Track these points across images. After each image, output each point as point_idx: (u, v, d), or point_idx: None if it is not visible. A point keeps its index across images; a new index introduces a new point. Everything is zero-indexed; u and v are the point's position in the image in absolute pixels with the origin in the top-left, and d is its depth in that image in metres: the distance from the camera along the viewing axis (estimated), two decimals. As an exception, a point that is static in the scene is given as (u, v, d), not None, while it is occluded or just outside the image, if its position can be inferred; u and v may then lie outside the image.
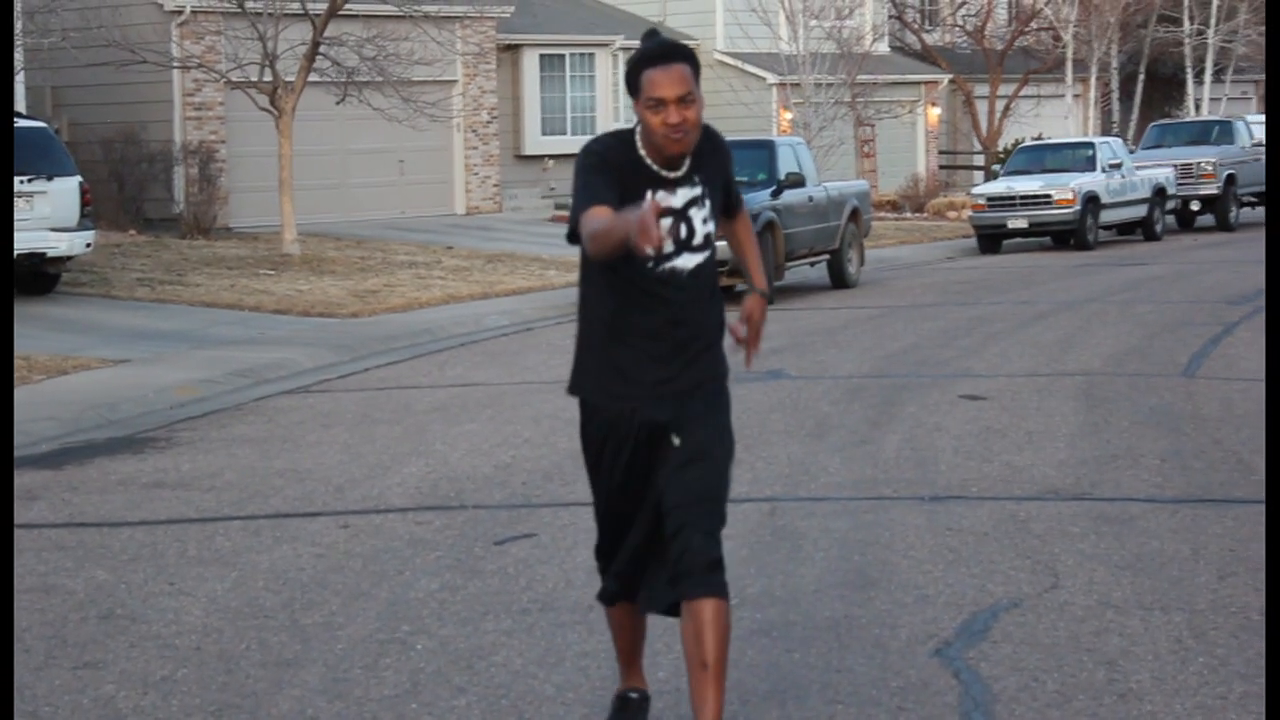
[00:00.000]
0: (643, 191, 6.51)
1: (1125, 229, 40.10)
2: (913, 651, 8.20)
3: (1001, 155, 50.26)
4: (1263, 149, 44.65)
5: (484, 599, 9.41)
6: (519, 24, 43.39)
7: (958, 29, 57.92)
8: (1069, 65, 53.23)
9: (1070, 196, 37.30)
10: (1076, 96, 54.27)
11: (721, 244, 7.02)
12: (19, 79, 32.62)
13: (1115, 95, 56.94)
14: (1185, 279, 28.92)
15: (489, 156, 42.23)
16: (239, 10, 32.62)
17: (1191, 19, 57.39)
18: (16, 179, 25.01)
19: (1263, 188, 44.55)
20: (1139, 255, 35.63)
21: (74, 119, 37.30)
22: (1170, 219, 42.19)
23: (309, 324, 24.14)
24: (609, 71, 44.99)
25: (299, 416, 16.57)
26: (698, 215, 6.67)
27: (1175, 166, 42.18)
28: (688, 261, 6.64)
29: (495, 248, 34.35)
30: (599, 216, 6.41)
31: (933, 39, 57.63)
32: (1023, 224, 37.55)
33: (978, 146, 55.06)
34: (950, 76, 54.27)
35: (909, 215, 47.39)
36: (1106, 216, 38.57)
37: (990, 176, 46.64)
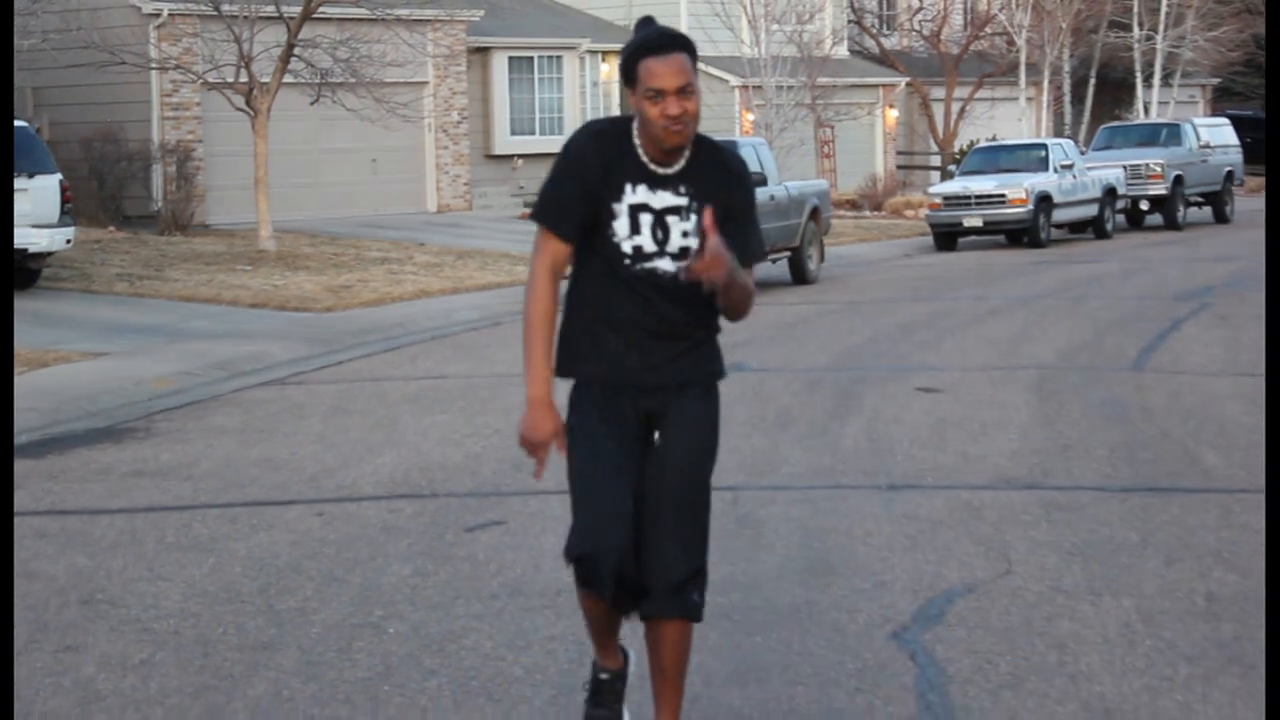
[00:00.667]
0: (624, 184, 6.15)
1: (1077, 228, 40.21)
2: (870, 635, 8.22)
3: (957, 156, 50.33)
4: (1209, 150, 44.86)
5: (455, 584, 9.41)
6: (488, 27, 43.35)
7: (915, 34, 58.04)
8: (1022, 69, 53.34)
9: (1023, 196, 37.39)
10: (1030, 99, 54.37)
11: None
12: None
13: (1067, 98, 57.06)
14: (1134, 276, 28.99)
15: (459, 156, 42.20)
16: (215, 13, 32.55)
17: (1141, 25, 57.53)
18: (-3, 176, 24.96)
19: (1209, 188, 44.78)
20: (1090, 253, 35.72)
21: (54, 118, 37.18)
22: (1120, 218, 42.31)
23: (284, 318, 24.11)
24: (576, 73, 45.00)
25: (275, 408, 16.55)
26: (676, 225, 6.20)
27: (1125, 167, 42.30)
28: (669, 265, 6.20)
29: (466, 244, 34.32)
30: (538, 307, 6.17)
31: (890, 43, 57.72)
32: (978, 222, 37.63)
33: (934, 147, 55.16)
34: (907, 80, 54.34)
35: (868, 214, 47.42)
36: (1058, 215, 38.67)
37: (946, 176, 46.79)
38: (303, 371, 19.36)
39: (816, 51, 46.12)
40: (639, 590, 6.24)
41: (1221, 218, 45.21)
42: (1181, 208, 43.35)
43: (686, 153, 6.19)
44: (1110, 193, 40.70)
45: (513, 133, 44.26)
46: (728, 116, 47.26)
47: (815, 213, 30.08)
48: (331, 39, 33.04)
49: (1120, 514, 10.74)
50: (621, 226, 6.15)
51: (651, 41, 6.05)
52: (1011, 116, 54.87)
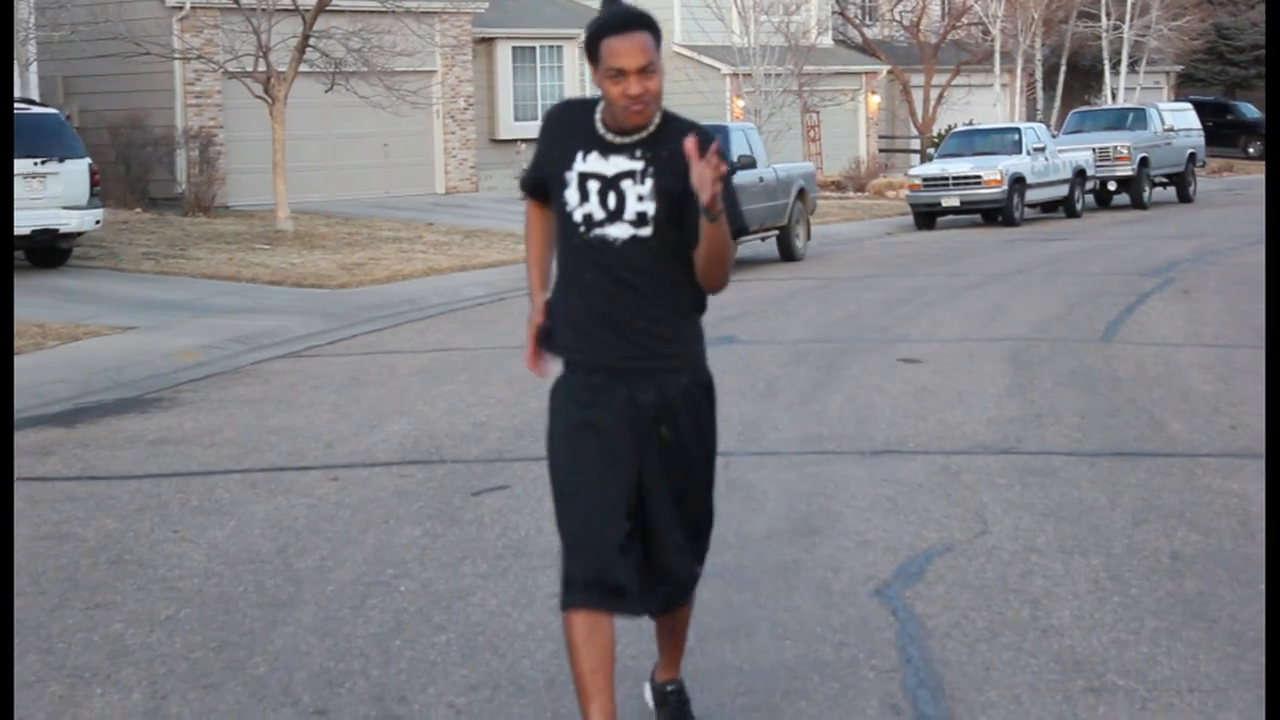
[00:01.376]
0: (575, 152, 5.88)
1: (1048, 207, 40.18)
2: (854, 592, 8.22)
3: (936, 140, 50.28)
4: (1173, 133, 44.84)
5: (462, 545, 9.41)
6: (493, 19, 43.32)
7: (895, 24, 57.96)
8: (997, 57, 53.29)
9: (998, 177, 37.38)
10: (1004, 86, 54.30)
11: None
12: (33, 69, 32.49)
13: (1039, 85, 57.01)
14: (1103, 253, 28.99)
15: (466, 140, 42.16)
16: (235, 6, 32.50)
17: (1108, 15, 57.45)
18: (31, 161, 24.95)
19: (1173, 169, 44.78)
20: (1061, 231, 35.70)
21: (84, 106, 37.13)
22: (1089, 198, 42.31)
23: (301, 294, 24.09)
24: (576, 62, 44.89)
25: (292, 379, 16.54)
26: (631, 190, 5.83)
27: (1094, 150, 42.31)
28: (621, 231, 5.84)
29: (472, 224, 34.29)
30: (532, 237, 6.27)
31: (873, 33, 57.63)
32: (955, 202, 37.61)
33: (914, 131, 55.10)
34: (889, 67, 54.27)
35: (851, 194, 47.39)
36: (1031, 196, 38.67)
37: (925, 159, 46.71)
38: (318, 345, 19.36)
39: (803, 41, 46.04)
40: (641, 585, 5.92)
41: (1185, 197, 45.21)
42: (1147, 188, 43.36)
43: (653, 125, 5.87)
44: (1080, 174, 40.69)
45: (516, 119, 44.20)
46: (718, 103, 47.20)
47: (802, 193, 30.06)
48: (344, 30, 33.04)
49: (1089, 477, 10.74)
50: (571, 195, 5.88)
51: (614, 20, 5.72)
52: (987, 102, 54.82)
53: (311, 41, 31.84)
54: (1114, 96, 57.29)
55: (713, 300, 6.12)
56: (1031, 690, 6.76)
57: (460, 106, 42.06)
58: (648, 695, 6.40)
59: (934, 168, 38.78)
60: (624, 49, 5.66)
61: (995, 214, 37.95)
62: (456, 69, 41.97)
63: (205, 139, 36.14)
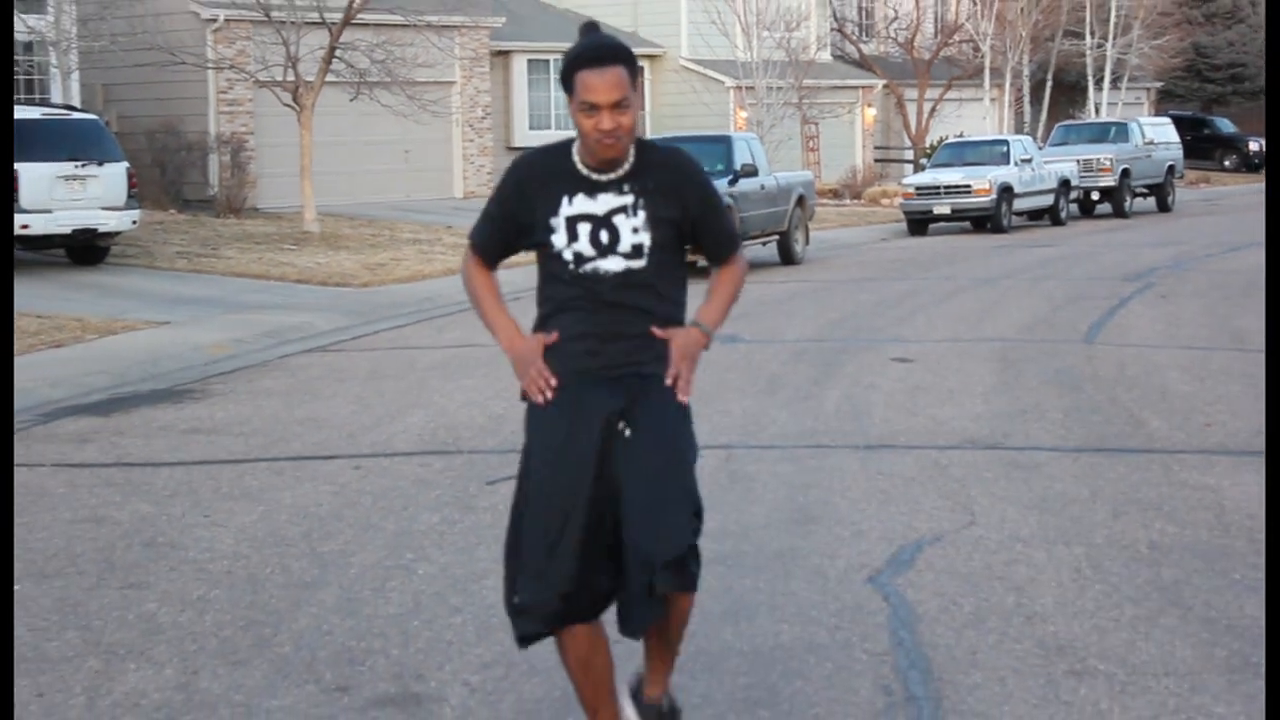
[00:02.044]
0: (559, 198, 5.52)
1: (1035, 215, 40.18)
2: (848, 578, 8.22)
3: (928, 150, 50.26)
4: (1153, 146, 44.83)
5: (477, 531, 9.41)
6: (509, 33, 43.35)
7: (890, 40, 57.93)
8: (986, 73, 53.26)
9: (987, 186, 37.37)
10: (993, 100, 54.26)
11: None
12: (74, 78, 32.52)
13: (1026, 99, 56.99)
14: (1086, 259, 28.96)
15: (483, 148, 42.17)
16: (266, 19, 32.51)
17: (1092, 34, 57.43)
18: (72, 164, 24.98)
19: (1153, 180, 44.78)
20: (1046, 238, 35.68)
21: (122, 113, 37.16)
22: (1074, 207, 42.32)
23: (326, 292, 24.10)
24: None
25: (317, 372, 16.54)
26: (625, 224, 5.51)
27: (1078, 161, 42.34)
28: (613, 264, 5.52)
29: (488, 227, 34.23)
30: (481, 286, 5.80)
31: (869, 49, 57.61)
32: (946, 210, 37.61)
33: (908, 143, 55.07)
34: (884, 82, 54.25)
35: (848, 202, 47.36)
36: (1019, 204, 38.67)
37: (918, 169, 46.69)
38: (342, 340, 19.36)
39: (803, 56, 46.01)
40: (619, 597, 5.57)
41: (1164, 207, 45.21)
42: (1128, 198, 43.39)
43: (630, 159, 5.54)
44: (1065, 184, 40.68)
45: (531, 127, 44.25)
46: (722, 114, 47.19)
47: (801, 201, 30.07)
48: (369, 42, 33.06)
49: (1072, 471, 10.73)
50: (559, 239, 5.54)
51: (589, 53, 5.38)
52: (977, 115, 54.78)
53: (338, 53, 31.86)
54: (1097, 111, 57.28)
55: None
56: (1016, 673, 6.76)
57: (478, 115, 42.07)
58: (630, 713, 5.79)
59: (926, 177, 38.79)
60: (597, 84, 5.33)
61: (984, 221, 37.95)
62: (474, 80, 41.98)
63: (237, 144, 36.16)
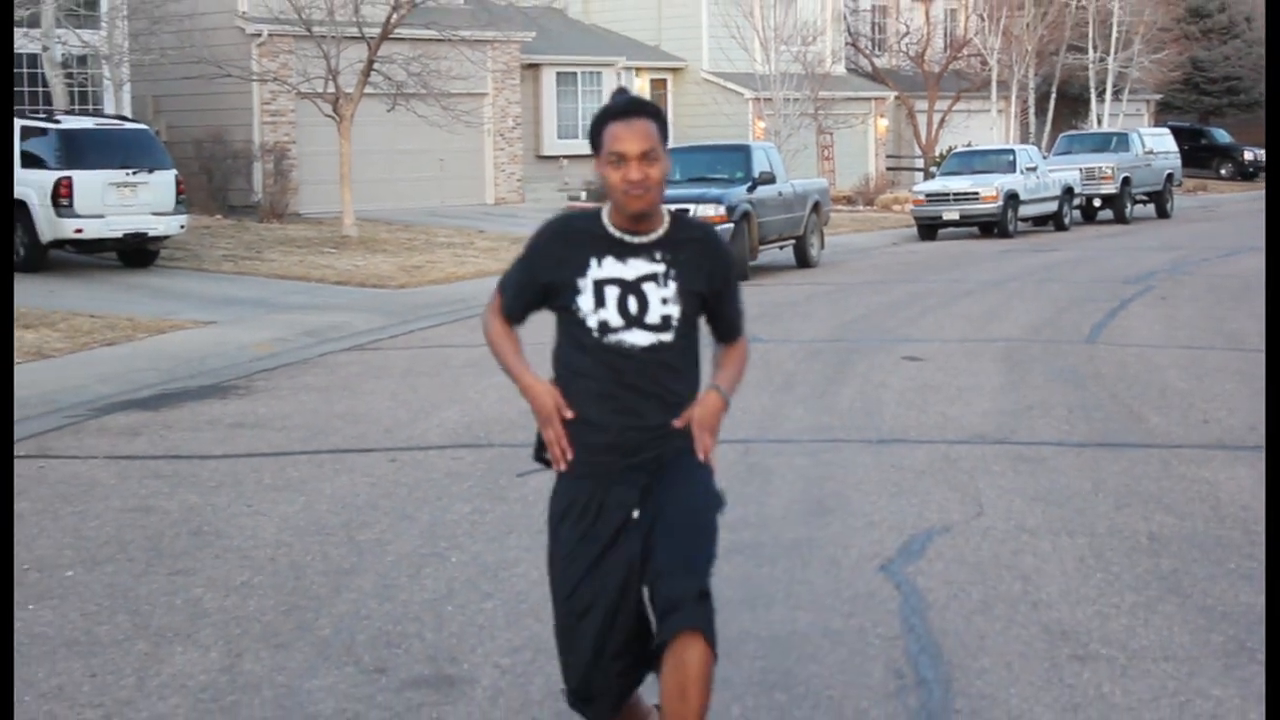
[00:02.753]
0: (588, 260, 5.11)
1: (1039, 221, 40.11)
2: (862, 567, 8.20)
3: (938, 159, 50.19)
4: (1153, 156, 44.75)
5: (508, 521, 9.41)
6: (539, 46, 43.37)
7: (902, 54, 57.86)
8: (994, 85, 53.19)
9: (994, 193, 37.32)
10: (1000, 111, 54.18)
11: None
12: (126, 89, 32.63)
13: (1032, 110, 56.89)
14: (1089, 263, 28.89)
15: (514, 156, 42.20)
16: (308, 34, 32.56)
17: (1095, 48, 57.34)
18: (124, 172, 25.03)
19: (1152, 188, 44.68)
20: (1050, 243, 35.60)
21: (171, 123, 37.25)
22: (1077, 213, 42.22)
23: (364, 294, 24.12)
24: (613, 86, 44.89)
25: (355, 370, 16.56)
26: (655, 293, 5.10)
27: (1081, 170, 42.29)
28: (640, 338, 5.10)
29: (519, 232, 34.26)
30: (502, 337, 5.35)
31: (881, 62, 57.55)
32: (955, 216, 37.54)
33: (918, 152, 55.00)
34: (896, 94, 54.20)
35: (861, 208, 47.30)
36: (1024, 210, 38.62)
37: (928, 176, 46.63)
38: (379, 339, 19.38)
39: (818, 69, 46.00)
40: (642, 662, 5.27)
41: (1163, 213, 45.10)
42: (1129, 205, 43.32)
43: (664, 225, 5.15)
44: (1068, 191, 40.61)
45: (559, 137, 44.30)
46: (741, 124, 47.19)
47: (816, 207, 30.03)
48: (405, 56, 33.09)
49: (1076, 465, 10.71)
50: (586, 301, 5.10)
51: (618, 108, 5.10)
52: (984, 126, 54.72)
53: (376, 66, 31.90)
54: (1099, 122, 57.17)
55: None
56: (1022, 658, 6.74)
57: (509, 125, 42.09)
58: None
59: (936, 184, 38.70)
60: (625, 134, 5.02)
61: (991, 227, 37.87)
62: (505, 92, 42.00)
63: (279, 153, 36.24)
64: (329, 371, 16.48)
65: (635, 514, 5.14)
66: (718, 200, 25.78)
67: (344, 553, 8.77)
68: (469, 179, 41.59)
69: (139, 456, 11.83)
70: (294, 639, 7.22)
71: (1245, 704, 6.13)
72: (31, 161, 24.94)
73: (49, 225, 24.53)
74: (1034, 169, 39.32)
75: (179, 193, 25.83)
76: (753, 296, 22.02)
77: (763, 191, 27.39)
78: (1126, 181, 43.07)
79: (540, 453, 5.31)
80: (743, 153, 28.70)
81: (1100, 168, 42.78)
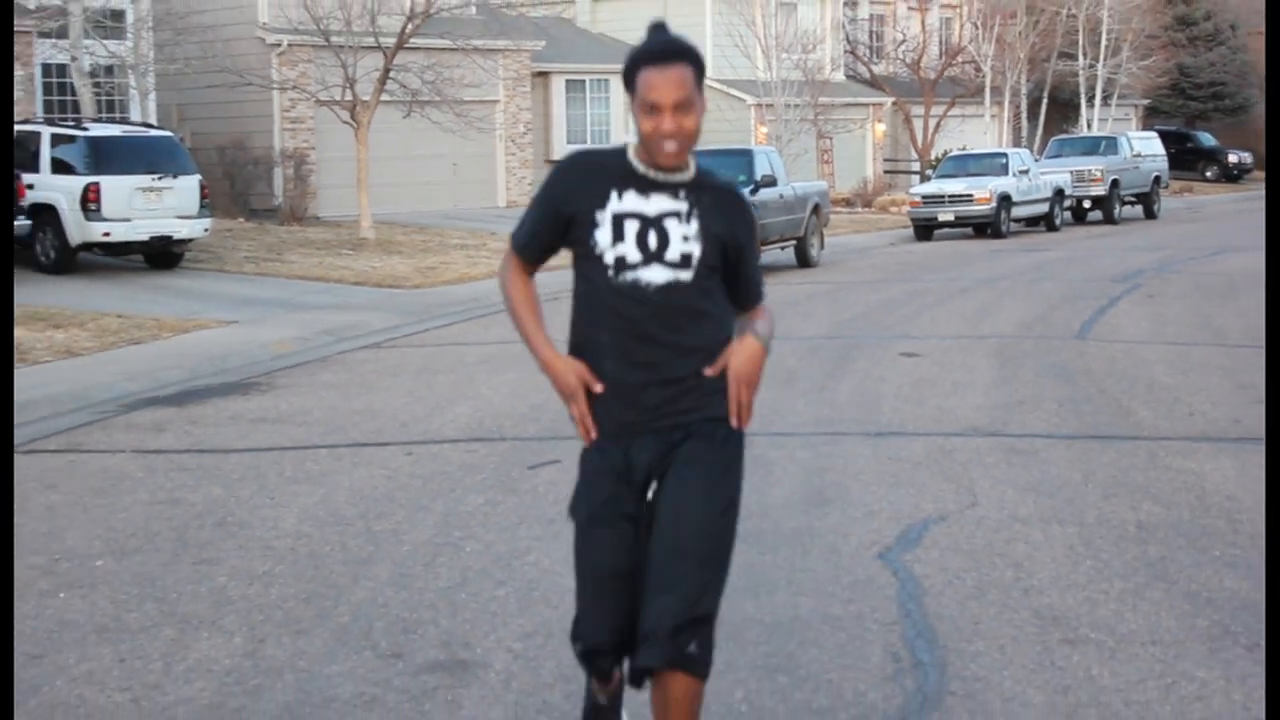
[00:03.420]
0: (609, 191, 4.72)
1: (1031, 221, 40.09)
2: (860, 555, 8.21)
3: (933, 162, 50.14)
4: (1140, 159, 44.74)
5: (519, 512, 9.42)
6: (548, 55, 43.38)
7: (899, 61, 57.80)
8: (987, 91, 53.16)
9: (988, 195, 37.31)
10: (993, 116, 54.12)
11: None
12: (152, 98, 32.66)
13: (1024, 115, 56.83)
14: (1079, 262, 28.87)
15: (524, 161, 42.21)
16: (326, 44, 32.59)
17: (1085, 55, 57.27)
18: (150, 177, 25.08)
19: (1140, 190, 44.66)
20: (1042, 243, 35.58)
21: (195, 130, 37.28)
22: (1067, 214, 42.20)
23: (381, 293, 24.13)
24: (621, 94, 44.92)
25: (372, 367, 16.57)
26: (676, 229, 4.69)
27: (1071, 172, 42.28)
28: (657, 275, 4.69)
29: (529, 234, 34.27)
30: (522, 304, 4.96)
31: (879, 69, 57.49)
32: (950, 217, 37.54)
33: (914, 155, 54.94)
34: (893, 99, 54.15)
35: (859, 210, 47.29)
36: (1017, 212, 38.60)
37: (924, 179, 46.57)
38: (395, 337, 19.39)
39: (818, 76, 45.99)
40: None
41: (1150, 214, 45.08)
42: (1117, 206, 43.31)
43: (692, 170, 4.77)
44: (1059, 193, 40.60)
45: (568, 142, 44.26)
46: (744, 130, 47.16)
47: (816, 209, 30.05)
48: (420, 65, 33.12)
49: (1066, 457, 10.71)
50: (603, 235, 4.72)
51: (654, 50, 4.63)
52: (978, 130, 54.67)
53: (392, 74, 31.91)
54: (1089, 126, 57.11)
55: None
56: (1014, 641, 6.74)
57: (519, 131, 42.10)
58: None
59: (932, 187, 38.70)
60: (660, 82, 4.57)
61: (985, 227, 37.86)
62: (516, 99, 42.02)
63: (299, 158, 36.26)
64: (347, 369, 16.49)
65: (651, 492, 4.82)
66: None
67: (362, 543, 8.78)
68: (481, 183, 41.60)
69: (165, 451, 11.84)
70: (314, 625, 7.24)
71: (1229, 686, 6.14)
72: (61, 167, 25.00)
73: (78, 229, 24.57)
74: (1026, 172, 39.30)
75: (203, 197, 25.86)
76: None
77: (765, 194, 27.40)
78: (1115, 184, 43.05)
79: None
80: (745, 157, 28.73)
81: (1090, 170, 42.76)
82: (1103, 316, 19.43)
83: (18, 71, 30.39)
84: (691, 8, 48.14)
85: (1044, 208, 39.89)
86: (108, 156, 25.00)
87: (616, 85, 44.98)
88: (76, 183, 24.59)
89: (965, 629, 6.93)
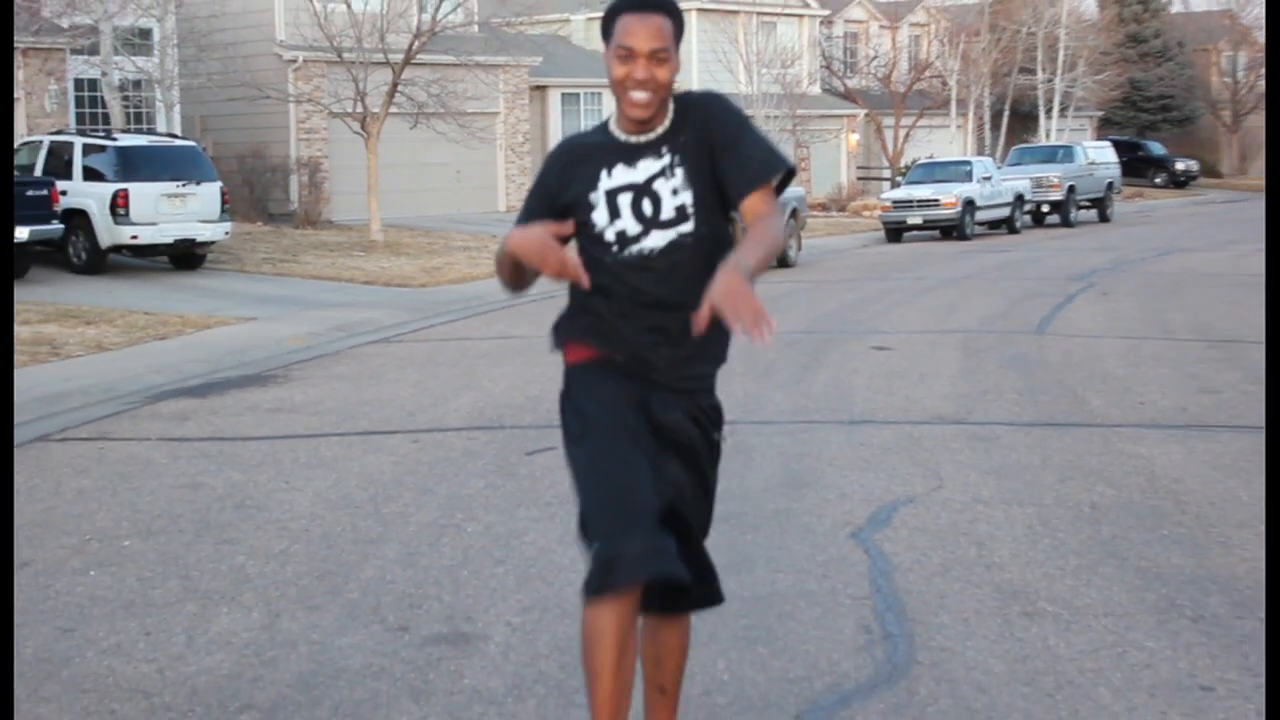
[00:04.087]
0: (599, 173, 4.40)
1: (994, 225, 40.12)
2: (834, 535, 8.20)
3: (903, 170, 50.18)
4: (1095, 166, 44.79)
5: (518, 495, 9.41)
6: (545, 70, 43.35)
7: (871, 76, 57.84)
8: (953, 104, 53.22)
9: (954, 200, 37.35)
10: (959, 126, 54.18)
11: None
12: (176, 110, 32.60)
13: (987, 126, 56.89)
14: (1037, 262, 28.89)
15: (523, 169, 42.19)
16: (338, 60, 32.56)
17: (1043, 70, 57.36)
18: (174, 184, 25.05)
19: (1094, 195, 44.71)
20: (1003, 245, 35.60)
21: (217, 139, 37.24)
22: (1027, 218, 42.24)
23: (389, 292, 24.12)
24: (614, 106, 45.06)
25: (381, 360, 16.55)
26: (665, 186, 4.35)
27: (1031, 179, 42.31)
28: (658, 240, 4.35)
29: (528, 236, 34.25)
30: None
31: (853, 83, 57.53)
32: (919, 221, 37.58)
33: (886, 163, 54.99)
34: (865, 111, 54.18)
35: (834, 214, 47.32)
36: (980, 216, 38.64)
37: (895, 185, 46.61)
38: (403, 333, 19.37)
39: (796, 89, 46.02)
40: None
41: (1104, 218, 45.15)
42: (1073, 210, 43.34)
43: (669, 118, 4.41)
44: (1020, 198, 40.65)
45: (564, 151, 44.35)
46: (728, 139, 47.17)
47: (795, 213, 30.06)
48: (426, 79, 33.12)
49: (1025, 443, 10.71)
50: (600, 216, 4.39)
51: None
52: (945, 140, 54.75)
53: (400, 88, 31.90)
54: (1047, 136, 57.19)
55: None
56: (977, 614, 6.74)
57: (518, 141, 42.09)
58: None
59: (902, 192, 38.74)
60: (638, 28, 4.23)
61: (951, 230, 37.90)
62: (516, 111, 42.00)
63: (313, 166, 36.22)
64: (358, 362, 16.47)
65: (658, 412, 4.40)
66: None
67: (371, 524, 8.76)
68: (483, 189, 41.59)
69: (188, 439, 11.83)
70: (327, 601, 7.22)
71: (1175, 655, 6.14)
72: (92, 175, 24.99)
73: (107, 232, 24.56)
74: (989, 178, 39.36)
75: (224, 202, 25.86)
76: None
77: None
78: (1071, 189, 43.12)
79: (557, 336, 4.56)
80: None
81: (1048, 177, 42.81)
82: (1060, 312, 19.44)
83: (51, 86, 30.37)
84: (678, 26, 48.12)
85: (1005, 212, 39.92)
86: (135, 165, 24.99)
87: (609, 98, 44.96)
88: (106, 189, 24.57)
89: (932, 603, 6.92)
